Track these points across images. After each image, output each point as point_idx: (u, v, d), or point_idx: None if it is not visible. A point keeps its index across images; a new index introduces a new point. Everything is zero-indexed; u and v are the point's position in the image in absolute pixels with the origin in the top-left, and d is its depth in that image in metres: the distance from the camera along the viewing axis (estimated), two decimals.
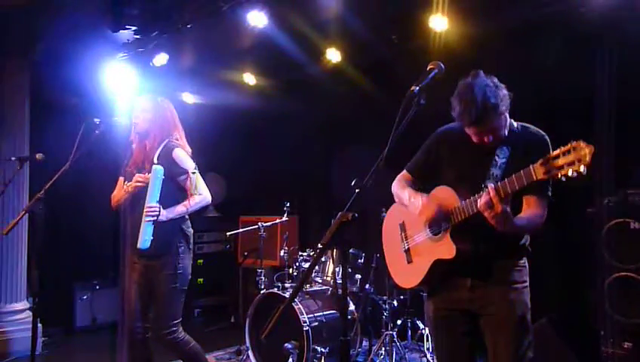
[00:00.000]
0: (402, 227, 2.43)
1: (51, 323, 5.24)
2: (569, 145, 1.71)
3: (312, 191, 6.18)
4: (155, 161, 3.20)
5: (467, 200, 2.07)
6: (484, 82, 2.05)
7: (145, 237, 3.06)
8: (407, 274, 2.35)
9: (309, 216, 6.06)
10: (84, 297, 5.76)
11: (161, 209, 3.09)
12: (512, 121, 2.20)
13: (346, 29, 4.62)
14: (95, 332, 5.72)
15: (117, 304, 5.66)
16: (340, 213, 1.78)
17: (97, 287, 5.85)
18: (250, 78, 5.76)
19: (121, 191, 3.34)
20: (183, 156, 3.27)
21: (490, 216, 1.90)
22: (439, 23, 4.16)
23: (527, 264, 2.24)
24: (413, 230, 2.36)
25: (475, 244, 2.12)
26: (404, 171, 2.50)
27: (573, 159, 1.69)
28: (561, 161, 1.72)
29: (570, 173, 1.70)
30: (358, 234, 4.61)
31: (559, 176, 1.74)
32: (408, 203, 2.33)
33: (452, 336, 2.26)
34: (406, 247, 2.36)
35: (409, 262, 2.34)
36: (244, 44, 4.89)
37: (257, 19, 4.19)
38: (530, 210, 2.09)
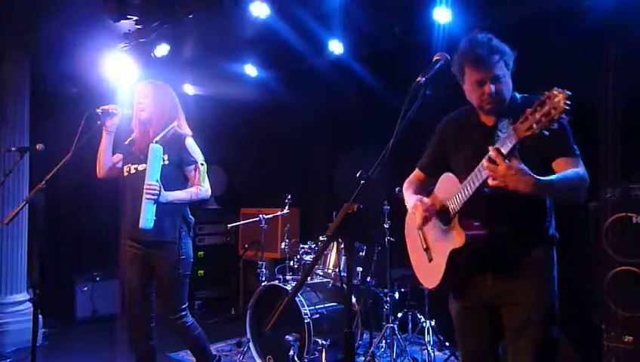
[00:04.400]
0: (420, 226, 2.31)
1: (52, 314, 5.22)
2: (543, 96, 1.64)
3: (313, 183, 6.16)
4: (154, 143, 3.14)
5: (471, 174, 1.94)
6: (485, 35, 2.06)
7: (147, 216, 2.95)
8: (430, 274, 2.23)
9: (311, 208, 6.04)
10: (85, 288, 5.75)
11: (162, 188, 3.03)
12: (516, 93, 2.12)
13: (348, 21, 4.60)
14: (95, 323, 5.70)
15: (117, 295, 5.67)
16: (345, 205, 1.75)
17: (98, 279, 5.84)
18: (251, 70, 5.74)
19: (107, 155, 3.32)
20: (195, 146, 3.29)
21: (499, 176, 1.74)
22: (442, 15, 4.14)
23: (554, 256, 2.12)
24: (429, 227, 2.23)
25: (488, 227, 2.00)
26: (416, 169, 2.43)
27: (549, 109, 1.62)
28: (538, 115, 1.65)
29: (549, 124, 1.63)
30: (359, 226, 4.59)
31: (540, 130, 1.65)
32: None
33: (476, 334, 2.18)
34: (425, 246, 2.27)
35: (430, 260, 2.24)
36: (246, 36, 4.87)
37: (259, 9, 4.17)
38: (564, 170, 1.94)
